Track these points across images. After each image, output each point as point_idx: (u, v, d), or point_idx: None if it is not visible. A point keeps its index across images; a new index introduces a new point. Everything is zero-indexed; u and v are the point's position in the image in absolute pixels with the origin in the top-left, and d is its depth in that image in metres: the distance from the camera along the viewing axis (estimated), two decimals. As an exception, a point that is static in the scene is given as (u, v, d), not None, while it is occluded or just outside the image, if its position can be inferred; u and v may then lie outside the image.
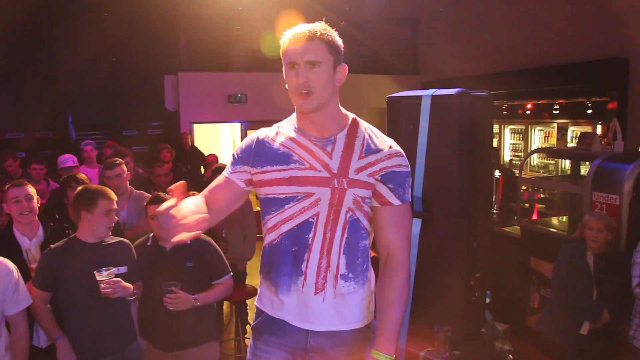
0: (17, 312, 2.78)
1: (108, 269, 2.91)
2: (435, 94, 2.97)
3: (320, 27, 1.85)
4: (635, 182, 4.12)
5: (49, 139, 10.00)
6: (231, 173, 1.98)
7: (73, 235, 3.08)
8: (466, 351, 3.16)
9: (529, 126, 8.38)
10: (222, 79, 9.98)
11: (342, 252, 1.87)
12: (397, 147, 1.91)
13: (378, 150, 1.88)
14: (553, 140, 7.85)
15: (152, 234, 3.41)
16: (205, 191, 2.01)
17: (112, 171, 4.24)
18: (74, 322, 3.00)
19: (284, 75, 1.87)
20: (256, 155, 1.92)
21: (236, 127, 10.56)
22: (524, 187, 5.71)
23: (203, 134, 10.37)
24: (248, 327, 5.25)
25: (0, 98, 9.88)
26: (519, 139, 8.68)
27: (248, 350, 2.05)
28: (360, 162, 1.86)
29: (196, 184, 6.53)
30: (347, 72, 1.90)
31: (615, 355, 3.74)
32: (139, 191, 4.43)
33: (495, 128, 8.95)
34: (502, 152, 8.95)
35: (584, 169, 5.44)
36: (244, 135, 10.36)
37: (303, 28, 1.84)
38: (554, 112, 7.59)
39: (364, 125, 1.95)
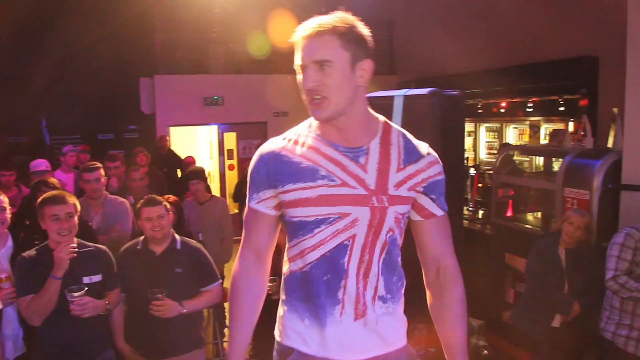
0: None
1: (81, 288, 2.89)
2: (407, 94, 3.00)
3: (334, 17, 1.56)
4: (604, 177, 4.20)
5: (22, 144, 9.87)
6: (256, 203, 1.71)
7: (45, 243, 3.04)
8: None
9: (504, 124, 8.47)
10: (198, 81, 9.94)
11: (380, 273, 1.67)
12: (434, 153, 1.72)
13: (418, 159, 1.66)
14: (527, 138, 7.95)
15: (142, 238, 3.37)
16: (247, 244, 1.76)
17: (92, 174, 4.20)
18: (47, 330, 2.95)
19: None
20: (276, 173, 1.64)
21: (213, 129, 10.52)
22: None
23: (180, 136, 10.32)
24: (226, 331, 5.23)
25: (-28, 103, 9.72)
26: (494, 137, 8.77)
27: None
28: (400, 175, 1.63)
29: (172, 187, 6.51)
30: (372, 68, 1.61)
31: (587, 346, 3.81)
32: (113, 196, 4.40)
33: (471, 126, 9.04)
34: (478, 150, 9.04)
35: (557, 166, 5.52)
36: (221, 137, 10.33)
37: (313, 22, 1.56)
38: (528, 110, 7.68)
39: (396, 129, 1.72)
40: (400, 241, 1.73)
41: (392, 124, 1.72)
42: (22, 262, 2.95)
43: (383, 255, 1.66)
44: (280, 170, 1.63)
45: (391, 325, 1.73)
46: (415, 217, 1.73)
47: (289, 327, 1.72)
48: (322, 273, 1.63)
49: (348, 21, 1.57)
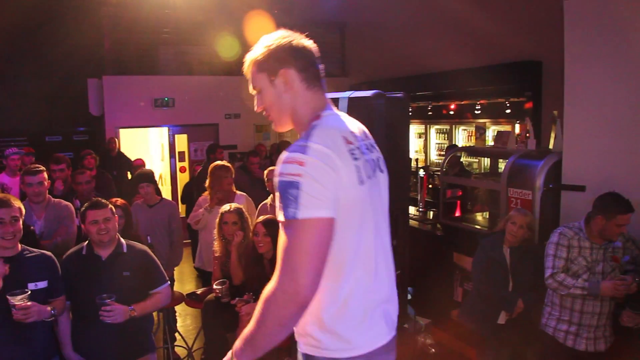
0: None
1: (24, 292, 2.81)
2: (351, 95, 3.03)
3: (253, 49, 1.79)
4: (545, 177, 4.35)
5: (-37, 146, 9.48)
6: None
7: None
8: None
9: (453, 126, 8.66)
10: (148, 82, 9.76)
11: None
12: (290, 153, 1.58)
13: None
14: (474, 139, 8.14)
15: (87, 242, 3.30)
16: None
17: (35, 177, 4.11)
18: None
19: None
20: None
21: (164, 131, 10.37)
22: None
23: (130, 139, 10.13)
24: (177, 335, 5.17)
25: None
26: (444, 139, 8.95)
27: None
28: None
29: (122, 190, 6.39)
30: (290, 76, 1.73)
31: (530, 342, 3.93)
32: (57, 199, 4.30)
33: (422, 128, 9.21)
34: (429, 151, 9.21)
35: (503, 167, 5.67)
36: (172, 139, 10.20)
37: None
38: (476, 112, 7.88)
39: (312, 128, 1.66)
40: None
41: (321, 120, 1.70)
42: None
43: None
44: None
45: None
46: None
47: None
48: None
49: (261, 43, 1.77)
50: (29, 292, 2.83)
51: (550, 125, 4.98)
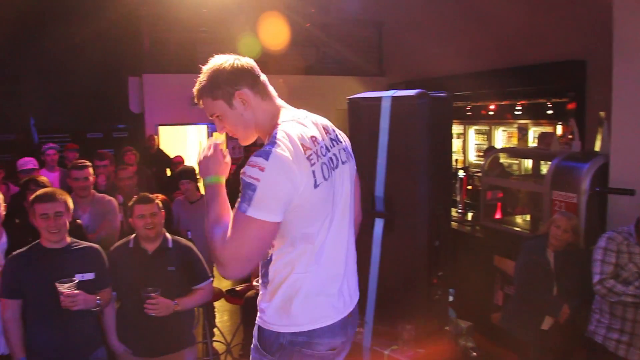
0: None
1: (71, 280, 2.88)
2: (395, 95, 3.00)
3: (202, 75, 1.89)
4: (591, 180, 4.23)
5: (10, 142, 9.80)
6: None
7: (37, 241, 3.04)
8: (430, 349, 3.20)
9: (493, 127, 8.53)
10: (187, 80, 9.66)
11: None
12: (255, 157, 1.72)
13: None
14: (516, 140, 8.00)
15: (133, 236, 3.38)
16: None
17: (81, 172, 4.21)
18: (37, 330, 2.95)
19: None
20: None
21: (202, 129, 10.48)
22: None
23: (169, 136, 10.27)
24: (216, 330, 5.22)
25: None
26: (484, 140, 8.82)
27: None
28: None
29: (161, 187, 6.48)
30: (246, 95, 1.87)
31: (576, 349, 3.83)
32: (101, 194, 4.39)
33: (460, 129, 9.09)
34: (467, 152, 9.09)
35: (545, 169, 5.55)
36: (210, 137, 10.28)
37: (195, 88, 1.93)
38: (516, 112, 7.74)
39: (275, 134, 1.80)
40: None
41: (282, 127, 1.82)
42: (10, 262, 2.96)
43: None
44: None
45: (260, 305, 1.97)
46: None
47: None
48: None
49: (210, 73, 1.88)
50: (77, 281, 2.90)
51: (595, 126, 4.85)
